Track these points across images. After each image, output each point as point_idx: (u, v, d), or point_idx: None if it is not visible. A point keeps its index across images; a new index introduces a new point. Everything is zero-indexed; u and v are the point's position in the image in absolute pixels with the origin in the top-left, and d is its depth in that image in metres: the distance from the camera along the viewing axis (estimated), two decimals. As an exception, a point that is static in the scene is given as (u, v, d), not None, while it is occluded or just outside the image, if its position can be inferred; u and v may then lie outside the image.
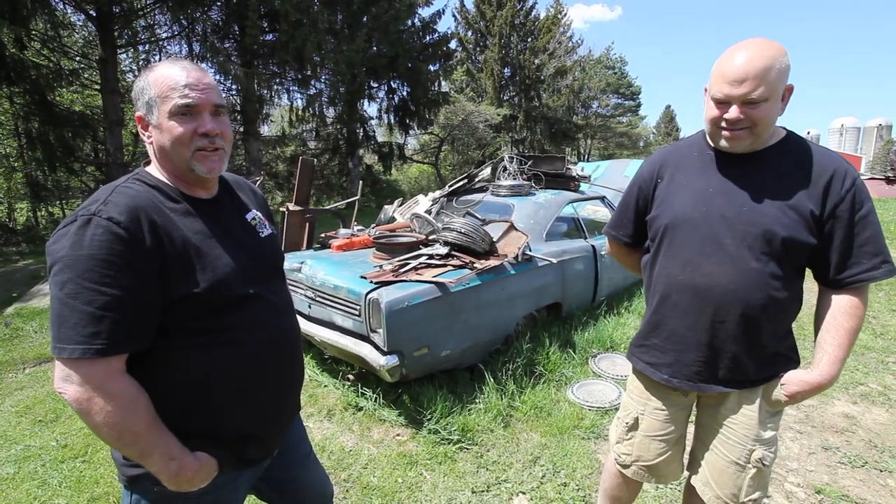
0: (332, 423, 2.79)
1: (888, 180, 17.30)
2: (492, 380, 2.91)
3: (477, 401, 2.83)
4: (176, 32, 10.68)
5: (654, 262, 1.38)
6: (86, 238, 0.86)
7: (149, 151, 1.05)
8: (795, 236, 1.17)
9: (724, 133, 1.20)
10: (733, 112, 1.15)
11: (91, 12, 8.89)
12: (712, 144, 1.28)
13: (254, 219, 1.16)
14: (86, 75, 10.24)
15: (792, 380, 1.28)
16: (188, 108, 0.97)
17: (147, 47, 10.58)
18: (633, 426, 1.49)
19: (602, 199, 4.74)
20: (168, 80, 0.97)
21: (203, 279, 0.96)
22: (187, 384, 0.99)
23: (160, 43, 10.67)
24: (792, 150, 1.23)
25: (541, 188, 4.62)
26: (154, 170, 1.05)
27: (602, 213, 5.12)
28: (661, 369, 1.38)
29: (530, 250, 3.38)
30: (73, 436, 2.69)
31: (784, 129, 1.27)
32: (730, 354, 1.27)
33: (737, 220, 1.21)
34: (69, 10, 9.56)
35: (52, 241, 0.90)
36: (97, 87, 9.71)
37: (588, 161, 17.40)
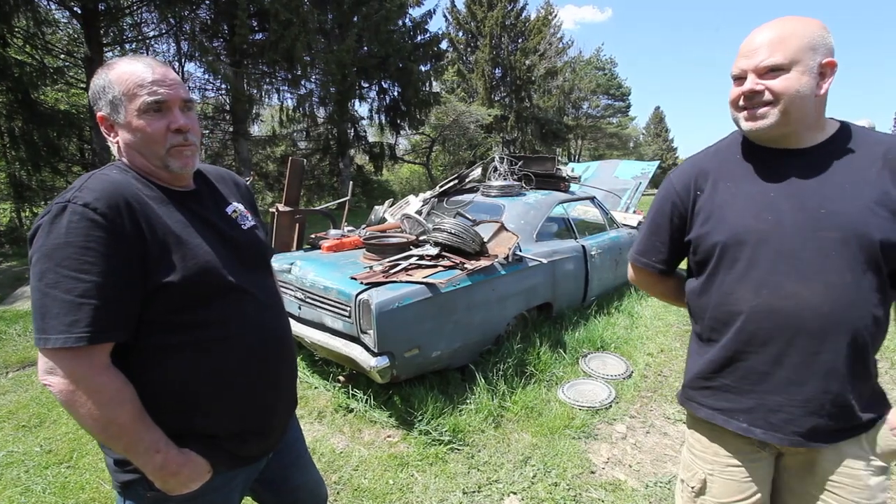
0: (322, 424, 2.77)
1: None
2: (482, 380, 2.92)
3: (468, 401, 2.83)
4: (163, 31, 10.58)
5: (708, 288, 1.15)
6: (62, 226, 0.85)
7: (114, 150, 1.03)
8: (892, 237, 0.97)
9: (745, 113, 1.05)
10: (749, 82, 1.02)
11: (76, 9, 8.76)
12: (748, 138, 1.12)
13: (234, 211, 1.14)
14: (71, 73, 10.08)
15: None
16: (158, 105, 0.96)
17: (134, 46, 10.44)
18: (701, 491, 1.20)
19: (592, 199, 4.77)
20: (133, 76, 0.95)
21: (183, 267, 0.94)
22: (172, 383, 0.97)
23: (147, 41, 10.55)
24: (854, 139, 1.05)
25: (531, 189, 4.64)
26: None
27: (592, 214, 5.15)
28: (737, 416, 1.12)
29: (521, 250, 3.39)
30: (57, 441, 2.65)
31: (838, 120, 1.09)
32: (830, 395, 1.03)
33: (817, 227, 1.00)
34: (53, 7, 9.40)
35: (30, 232, 0.90)
36: (83, 85, 9.56)
37: (578, 161, 17.50)
